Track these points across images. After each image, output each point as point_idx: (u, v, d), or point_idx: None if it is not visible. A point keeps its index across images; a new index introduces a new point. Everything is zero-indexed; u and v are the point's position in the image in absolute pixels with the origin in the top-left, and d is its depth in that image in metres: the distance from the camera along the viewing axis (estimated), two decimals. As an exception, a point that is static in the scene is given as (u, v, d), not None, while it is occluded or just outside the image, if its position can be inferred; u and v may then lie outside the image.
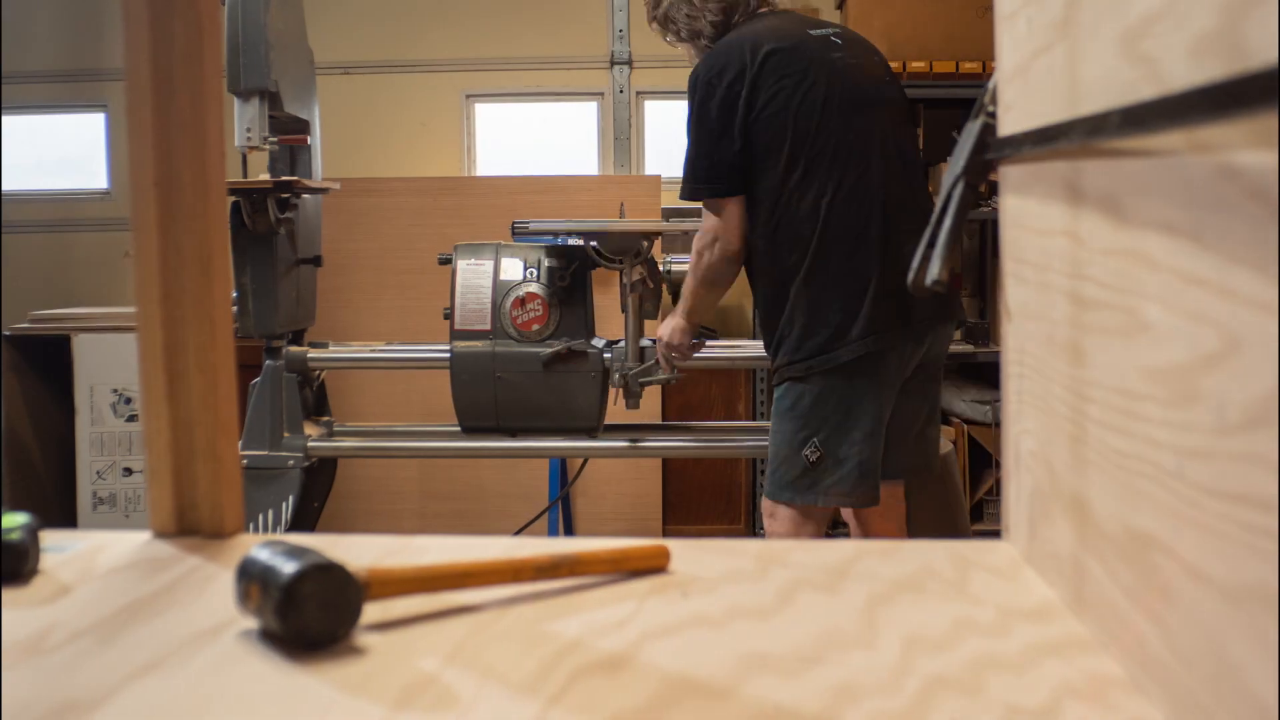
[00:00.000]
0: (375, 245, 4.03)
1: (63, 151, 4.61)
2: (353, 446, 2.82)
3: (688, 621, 0.74)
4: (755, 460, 4.05)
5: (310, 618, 0.68)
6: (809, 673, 0.66)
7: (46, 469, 4.13)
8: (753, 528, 4.09)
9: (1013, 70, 0.88)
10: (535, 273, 2.64)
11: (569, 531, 3.90)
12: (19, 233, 4.56)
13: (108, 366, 3.87)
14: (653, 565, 0.83)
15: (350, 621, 0.69)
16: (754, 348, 3.02)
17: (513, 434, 2.63)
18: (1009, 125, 0.88)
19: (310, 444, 2.77)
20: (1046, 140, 0.75)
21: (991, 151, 0.91)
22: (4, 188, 4.66)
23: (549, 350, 2.55)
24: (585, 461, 3.00)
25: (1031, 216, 0.84)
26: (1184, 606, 0.55)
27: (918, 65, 3.88)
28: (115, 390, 3.88)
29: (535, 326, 2.57)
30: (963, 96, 3.97)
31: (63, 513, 3.92)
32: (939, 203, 0.97)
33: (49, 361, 4.00)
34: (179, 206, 0.92)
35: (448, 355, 2.72)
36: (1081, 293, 0.72)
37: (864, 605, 0.77)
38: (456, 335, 2.64)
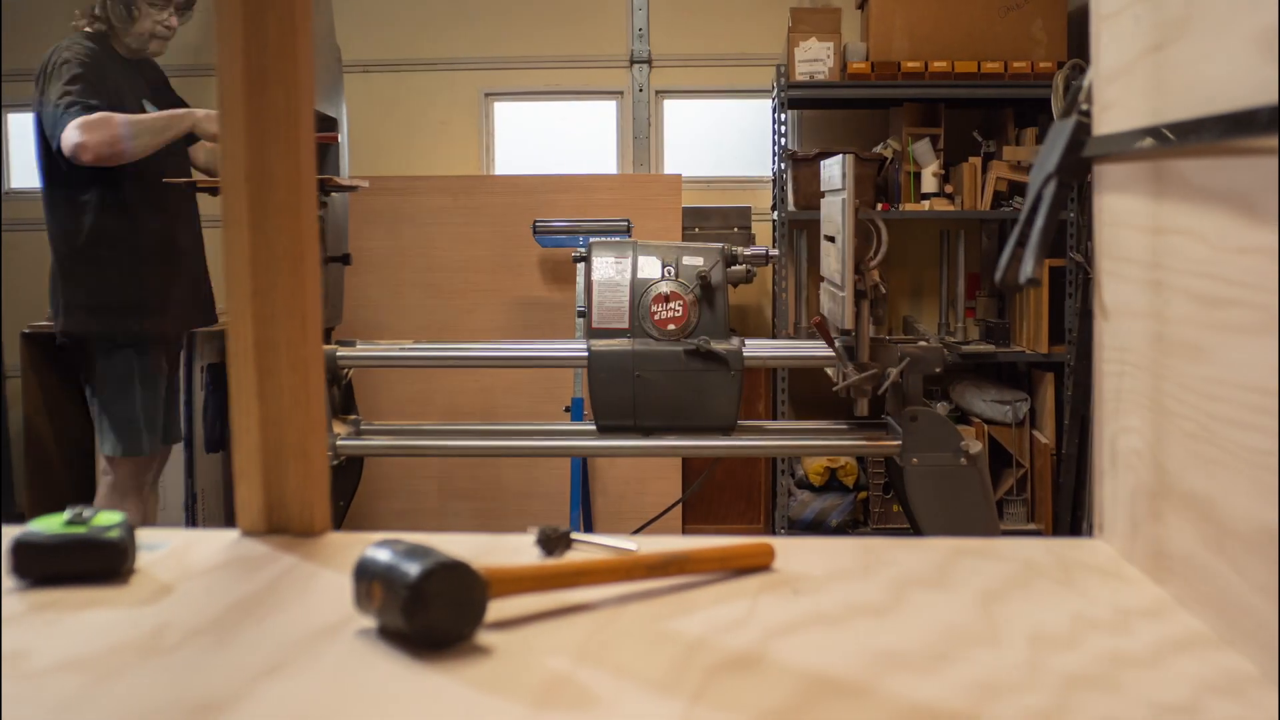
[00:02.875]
0: (393, 243, 4.03)
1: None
2: (382, 445, 2.81)
3: (807, 620, 0.73)
4: (775, 460, 4.05)
5: (437, 617, 0.67)
6: (942, 670, 0.65)
7: (65, 467, 4.12)
8: (773, 528, 4.08)
9: (1115, 69, 0.87)
10: (672, 271, 2.61)
11: (589, 530, 3.89)
12: (37, 230, 4.54)
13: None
14: (757, 563, 0.83)
15: (475, 620, 0.69)
16: (775, 347, 3.01)
17: (647, 433, 2.61)
18: (1110, 124, 0.88)
19: (339, 442, 2.77)
20: (1164, 138, 0.75)
21: (1088, 149, 0.91)
22: (23, 185, 4.65)
23: (688, 348, 2.53)
24: (717, 462, 2.96)
25: (1137, 215, 0.84)
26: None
27: (939, 65, 3.88)
28: (134, 388, 3.86)
29: (671, 326, 2.54)
30: (984, 96, 3.97)
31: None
32: (1027, 201, 0.96)
33: (65, 357, 3.99)
34: (271, 202, 0.91)
35: (475, 355, 2.71)
36: (1207, 291, 0.71)
37: (978, 602, 0.77)
38: (594, 334, 2.62)
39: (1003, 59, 3.88)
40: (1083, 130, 0.92)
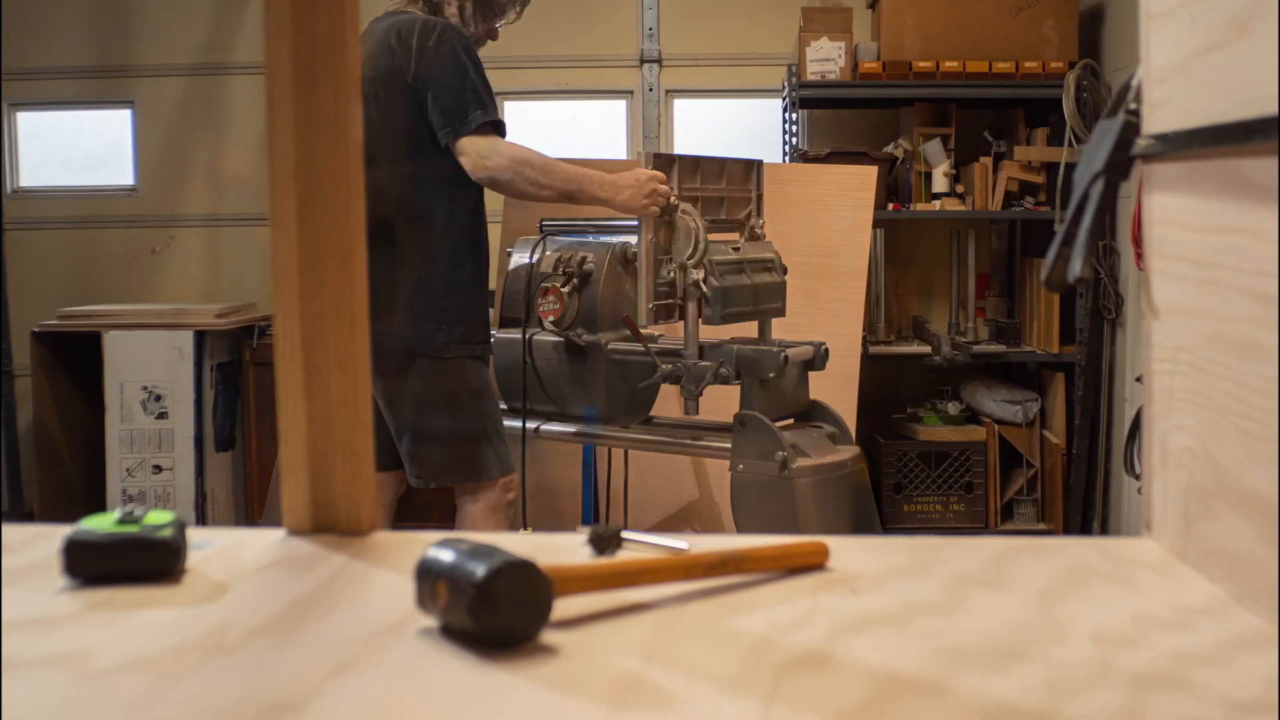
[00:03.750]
0: None
1: (89, 148, 4.60)
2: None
3: (869, 618, 0.73)
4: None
5: (504, 616, 0.67)
6: (1013, 669, 0.65)
7: (75, 466, 4.12)
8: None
9: (1167, 68, 0.87)
10: (562, 266, 2.68)
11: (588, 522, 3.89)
12: (46, 229, 4.55)
13: (138, 364, 3.86)
14: (812, 562, 0.83)
15: (541, 619, 0.68)
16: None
17: (546, 418, 2.72)
18: (1161, 123, 0.88)
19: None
20: (1226, 137, 0.75)
21: (1138, 148, 0.91)
22: (33, 184, 4.65)
23: (559, 339, 2.64)
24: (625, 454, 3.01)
25: (1192, 214, 0.84)
26: None
27: (951, 65, 3.88)
28: (145, 387, 3.87)
29: (551, 318, 2.61)
30: (995, 96, 3.97)
31: (89, 510, 3.90)
32: (1074, 200, 0.96)
33: (78, 358, 3.99)
34: (319, 200, 0.91)
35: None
36: (1267, 289, 0.71)
37: (1037, 601, 0.77)
38: (503, 322, 2.72)
39: (1014, 59, 3.88)
40: (1131, 129, 0.92)
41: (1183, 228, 0.86)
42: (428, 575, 0.70)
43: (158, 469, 3.92)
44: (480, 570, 0.67)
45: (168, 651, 0.69)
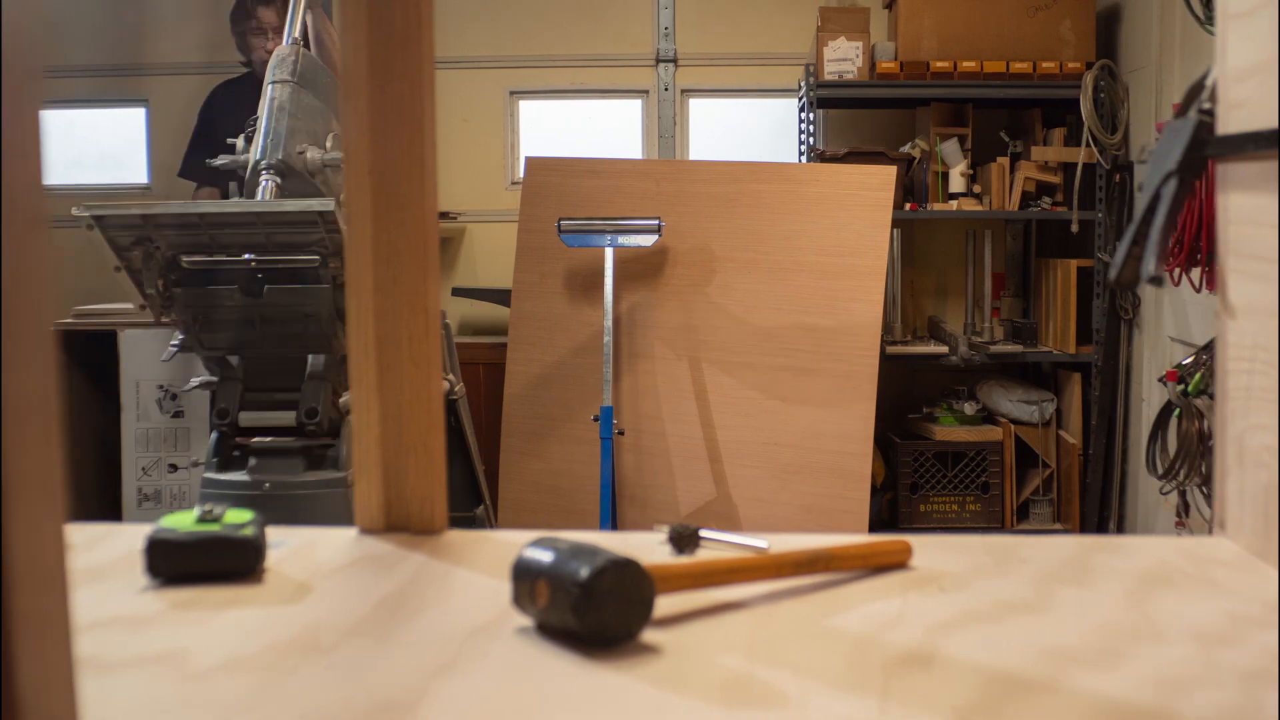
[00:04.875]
0: None
1: (103, 146, 4.59)
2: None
3: (963, 617, 0.73)
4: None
5: (609, 615, 0.67)
6: (1118, 666, 0.65)
7: (88, 464, 4.11)
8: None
9: (1246, 68, 0.87)
10: None
11: (614, 525, 3.88)
12: (60, 227, 4.54)
13: (153, 362, 3.85)
14: (895, 561, 0.83)
15: (644, 618, 0.68)
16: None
17: None
18: (1239, 122, 0.88)
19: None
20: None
21: (1213, 148, 0.91)
22: (54, 182, 4.64)
23: None
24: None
25: (1270, 213, 0.84)
26: None
27: (968, 65, 3.88)
28: (161, 386, 3.86)
29: None
30: (1013, 97, 3.97)
31: (105, 509, 3.90)
32: (1144, 199, 0.96)
33: (92, 356, 3.98)
34: (394, 195, 0.91)
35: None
36: (1366, 287, 0.71)
37: (1126, 599, 0.77)
38: None
39: (1031, 59, 3.88)
40: (1205, 129, 0.92)
41: (1261, 226, 0.86)
42: (526, 575, 0.70)
43: (173, 468, 3.91)
44: (584, 570, 0.67)
45: (264, 651, 0.69)
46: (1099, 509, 4.02)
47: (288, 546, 0.90)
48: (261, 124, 2.27)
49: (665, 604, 0.73)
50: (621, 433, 3.29)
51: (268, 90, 2.31)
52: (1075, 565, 0.85)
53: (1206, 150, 0.92)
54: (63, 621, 0.43)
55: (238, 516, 0.84)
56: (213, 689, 0.63)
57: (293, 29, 2.44)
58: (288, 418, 2.20)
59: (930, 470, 4.02)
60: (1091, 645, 0.68)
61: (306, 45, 2.51)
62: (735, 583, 0.75)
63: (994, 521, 3.99)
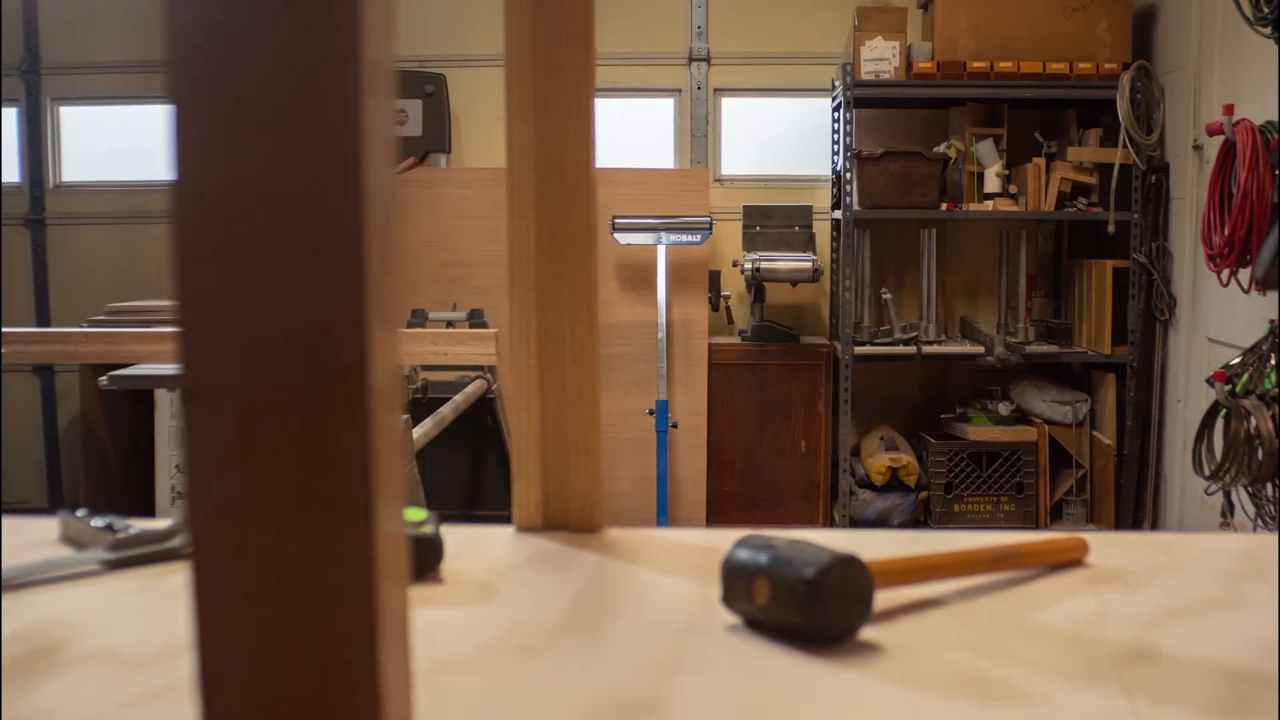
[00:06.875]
0: (414, 238, 4.00)
1: (132, 142, 4.57)
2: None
3: (1163, 612, 0.72)
4: (836, 460, 4.03)
5: (835, 612, 0.66)
6: (1354, 667, 0.64)
7: (120, 463, 4.10)
8: (832, 527, 4.07)
9: None
10: None
11: (663, 520, 3.87)
12: (91, 224, 4.52)
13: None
14: (1074, 558, 0.82)
15: (865, 615, 0.67)
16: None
17: None
18: None
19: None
20: None
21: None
22: (75, 179, 4.62)
23: None
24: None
25: None
26: None
27: (1005, 65, 3.87)
28: (194, 384, 3.85)
29: None
30: (1049, 97, 3.97)
31: (137, 507, 3.88)
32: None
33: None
34: (558, 189, 0.89)
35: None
36: None
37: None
38: None
39: (1067, 60, 3.87)
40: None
41: None
42: (743, 573, 0.69)
43: (206, 466, 3.89)
44: (810, 568, 0.65)
45: (481, 652, 0.67)
46: (1134, 509, 4.02)
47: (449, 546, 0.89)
48: None
49: (869, 602, 0.72)
50: (675, 425, 3.27)
51: None
52: (1248, 562, 0.84)
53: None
54: (405, 616, 0.42)
55: (415, 514, 0.83)
56: (443, 691, 0.62)
57: None
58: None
59: (964, 470, 4.01)
60: (1314, 644, 0.67)
61: None
62: (938, 579, 0.74)
63: (1028, 522, 3.99)
